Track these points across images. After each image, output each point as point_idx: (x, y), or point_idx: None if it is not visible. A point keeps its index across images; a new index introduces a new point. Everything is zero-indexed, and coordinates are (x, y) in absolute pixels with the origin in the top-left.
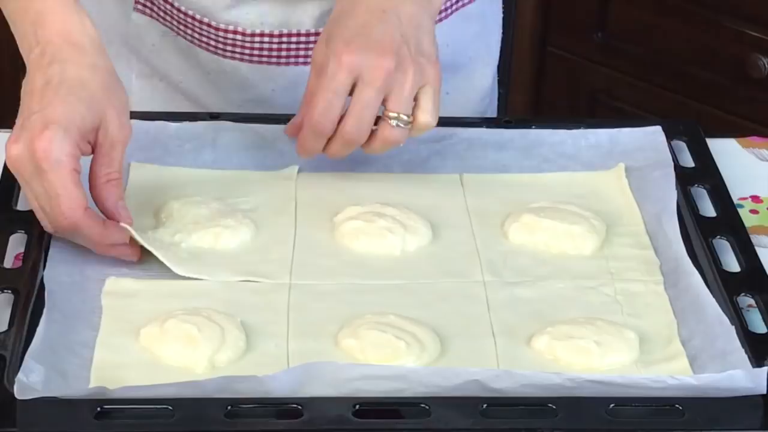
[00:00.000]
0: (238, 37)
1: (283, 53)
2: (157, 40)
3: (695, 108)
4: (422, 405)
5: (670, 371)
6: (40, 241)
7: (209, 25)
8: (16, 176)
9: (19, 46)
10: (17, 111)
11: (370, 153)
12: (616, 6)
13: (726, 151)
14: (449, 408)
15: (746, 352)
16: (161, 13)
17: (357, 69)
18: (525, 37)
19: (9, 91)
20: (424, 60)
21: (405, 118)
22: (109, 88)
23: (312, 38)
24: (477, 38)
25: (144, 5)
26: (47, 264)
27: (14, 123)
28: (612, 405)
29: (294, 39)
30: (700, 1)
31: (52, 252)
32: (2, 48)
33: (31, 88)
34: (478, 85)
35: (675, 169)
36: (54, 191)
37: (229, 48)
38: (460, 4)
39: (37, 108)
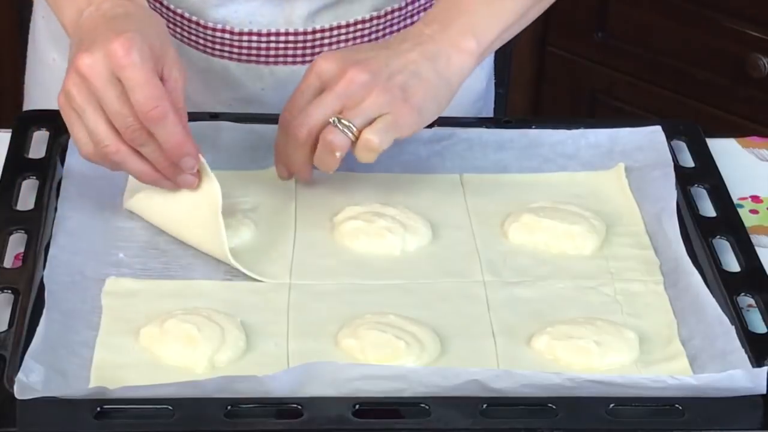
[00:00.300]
0: (227, 35)
1: (272, 52)
2: None
3: (695, 108)
4: (422, 405)
5: (670, 371)
6: (40, 241)
7: (198, 24)
8: (78, 95)
9: (59, 13)
10: (18, 111)
11: (318, 164)
12: (616, 6)
13: (726, 151)
14: (449, 408)
15: (746, 352)
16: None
17: (326, 74)
18: (525, 37)
19: (9, 91)
20: (399, 94)
21: (352, 127)
22: (167, 34)
23: (301, 38)
24: None
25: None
26: (47, 264)
27: (14, 123)
28: (612, 405)
29: (282, 38)
30: (700, 1)
31: (52, 252)
32: (2, 48)
33: (91, 27)
34: (471, 86)
35: (675, 169)
36: (137, 82)
37: (218, 47)
38: None
39: (105, 30)
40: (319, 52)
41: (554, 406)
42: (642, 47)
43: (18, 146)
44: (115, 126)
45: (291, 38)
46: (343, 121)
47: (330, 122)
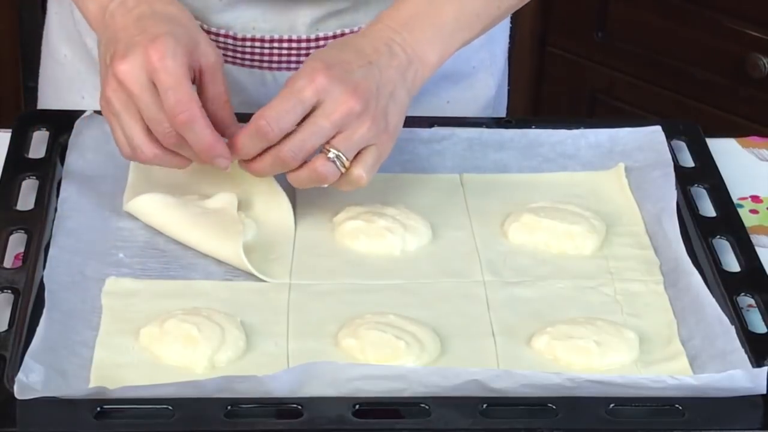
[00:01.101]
0: (230, 41)
1: (275, 58)
2: None
3: (695, 108)
4: (422, 405)
5: (670, 371)
6: (40, 241)
7: (201, 28)
8: (116, 101)
9: (86, 12)
10: (17, 111)
11: (294, 182)
12: (616, 6)
13: (726, 151)
14: (449, 408)
15: (746, 352)
16: None
17: (324, 94)
18: (525, 37)
19: (9, 91)
20: (384, 124)
21: (344, 159)
22: (193, 22)
23: (304, 44)
24: (481, 48)
25: None
26: (47, 264)
27: (14, 123)
28: (612, 405)
29: (286, 45)
30: (700, 1)
31: (52, 252)
32: (2, 48)
33: (120, 27)
34: (480, 94)
35: (675, 169)
36: (168, 86)
37: (221, 51)
38: None
39: (138, 33)
40: None
41: (554, 406)
42: (642, 47)
43: (18, 146)
44: (152, 131)
45: (294, 45)
46: (334, 152)
47: (325, 153)
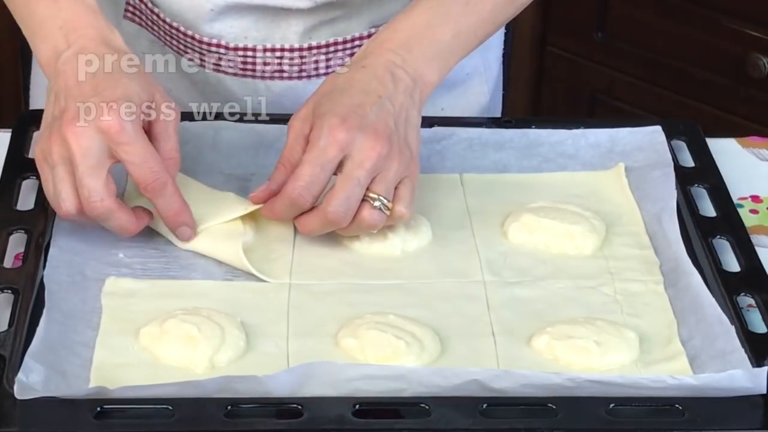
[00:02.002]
0: (222, 50)
1: (267, 68)
2: (147, 49)
3: (695, 108)
4: (422, 405)
5: (670, 371)
6: (40, 241)
7: (193, 38)
8: (57, 155)
9: (36, 51)
10: (17, 111)
11: (345, 234)
12: (616, 6)
13: (726, 151)
14: (449, 408)
15: (746, 352)
16: (149, 23)
17: (349, 147)
18: (525, 37)
19: (9, 91)
20: (408, 153)
21: (386, 202)
22: (150, 76)
23: (296, 53)
24: (475, 55)
25: (133, 13)
26: (47, 264)
27: (14, 123)
28: (612, 405)
29: (278, 54)
30: (700, 1)
31: (52, 252)
32: (2, 48)
33: (73, 82)
34: (474, 101)
35: (675, 169)
36: (137, 158)
37: (213, 61)
38: None
39: (92, 94)
40: (315, 68)
41: (554, 406)
42: (642, 47)
43: (18, 146)
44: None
45: (287, 54)
46: (376, 197)
47: (370, 203)
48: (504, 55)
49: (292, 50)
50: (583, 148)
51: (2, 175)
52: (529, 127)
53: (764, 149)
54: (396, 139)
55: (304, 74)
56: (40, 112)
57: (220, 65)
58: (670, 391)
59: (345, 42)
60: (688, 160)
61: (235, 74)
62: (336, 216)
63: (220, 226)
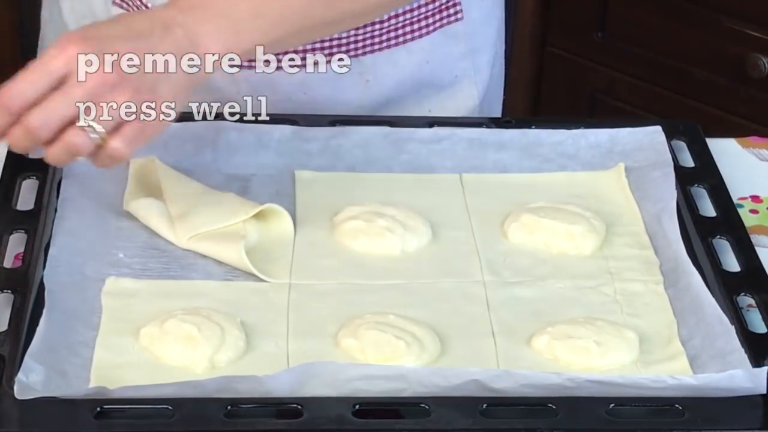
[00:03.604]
0: None
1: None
2: None
3: (695, 108)
4: (422, 405)
5: (670, 371)
6: (40, 241)
7: None
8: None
9: None
10: None
11: (50, 159)
12: (616, 6)
13: (726, 151)
14: (449, 408)
15: (746, 352)
16: (134, 9)
17: (74, 63)
18: (525, 37)
19: None
20: (150, 98)
21: (98, 128)
22: None
23: None
24: (463, 58)
25: (122, 0)
26: (47, 264)
27: None
28: (612, 405)
29: None
30: (700, 1)
31: (52, 252)
32: (2, 48)
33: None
34: (462, 104)
35: (675, 169)
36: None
37: None
38: (444, 21)
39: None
40: (291, 60)
41: (554, 406)
42: (642, 47)
43: None
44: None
45: None
46: (89, 122)
47: (76, 122)
48: (504, 55)
49: None
50: (583, 148)
51: (2, 175)
52: (529, 127)
53: (764, 149)
54: (135, 77)
55: (281, 66)
56: None
57: None
58: (670, 391)
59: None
60: (688, 160)
61: None
62: (34, 125)
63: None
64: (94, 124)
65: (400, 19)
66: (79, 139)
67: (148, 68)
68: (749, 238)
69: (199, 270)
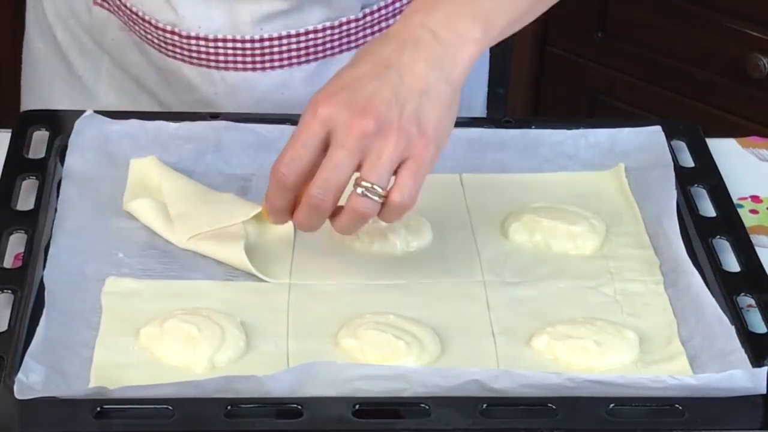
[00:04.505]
0: (176, 38)
1: (221, 58)
2: (116, 35)
3: (695, 108)
4: (422, 405)
5: (670, 371)
6: (40, 241)
7: (151, 24)
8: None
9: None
10: (17, 111)
11: (340, 230)
12: (616, 6)
13: (726, 151)
14: (449, 408)
15: (746, 352)
16: (115, 9)
17: (331, 123)
18: (525, 37)
19: (9, 91)
20: (414, 129)
21: (378, 189)
22: None
23: (248, 45)
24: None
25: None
26: (47, 264)
27: (14, 123)
28: (612, 405)
29: (230, 45)
30: (700, 1)
31: (52, 252)
32: (2, 48)
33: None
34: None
35: (675, 169)
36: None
37: (170, 48)
38: None
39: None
40: (269, 60)
41: (554, 406)
42: (642, 47)
43: (18, 146)
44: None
45: (239, 45)
46: (367, 185)
47: (355, 190)
48: (504, 55)
49: (244, 41)
50: (583, 148)
51: (2, 175)
52: (529, 127)
53: (764, 149)
54: (396, 114)
55: (258, 66)
56: (38, 112)
57: (177, 53)
58: (670, 391)
59: (298, 35)
60: (688, 160)
61: (191, 63)
62: (315, 199)
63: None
64: (372, 185)
65: (375, 16)
66: (363, 206)
67: (405, 98)
68: (749, 238)
69: (199, 270)
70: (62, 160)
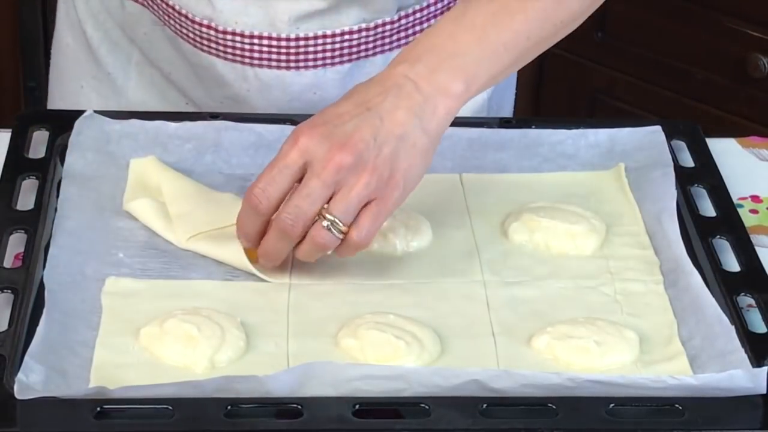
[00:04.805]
0: (212, 32)
1: (256, 55)
2: (149, 29)
3: (695, 108)
4: (422, 405)
5: (670, 371)
6: (40, 241)
7: (187, 18)
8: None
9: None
10: (17, 111)
11: (301, 257)
12: (616, 6)
13: (726, 151)
14: (449, 408)
15: (746, 352)
16: (149, 2)
17: (309, 154)
18: None
19: (9, 91)
20: (386, 173)
21: (340, 225)
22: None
23: (284, 43)
24: None
25: None
26: (47, 264)
27: (14, 123)
28: (612, 405)
29: (266, 42)
30: (700, 1)
31: (52, 252)
32: (2, 48)
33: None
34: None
35: (675, 169)
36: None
37: (205, 43)
38: None
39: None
40: (303, 59)
41: (554, 406)
42: (642, 47)
43: (18, 146)
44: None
45: (274, 42)
46: (332, 220)
47: (320, 222)
48: None
49: (280, 39)
50: (583, 148)
51: (2, 175)
52: (529, 127)
53: (764, 149)
54: (371, 155)
55: (292, 65)
56: (38, 112)
57: (211, 48)
58: (670, 391)
59: (334, 36)
60: (688, 160)
61: (225, 58)
62: (285, 225)
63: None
64: (336, 220)
65: (410, 19)
66: (325, 239)
67: (383, 140)
68: (749, 238)
69: (199, 270)
70: (62, 160)
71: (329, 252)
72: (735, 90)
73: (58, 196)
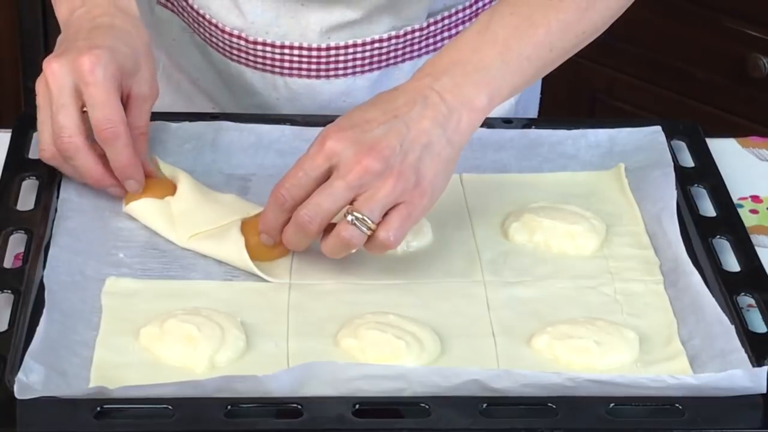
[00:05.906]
0: (243, 42)
1: (286, 64)
2: (178, 36)
3: (695, 108)
4: (422, 405)
5: (670, 371)
6: (40, 241)
7: (217, 27)
8: (39, 95)
9: (56, 9)
10: (17, 111)
11: (325, 252)
12: None
13: (726, 151)
14: (449, 408)
15: (746, 352)
16: (179, 9)
17: (336, 158)
18: None
19: (9, 91)
20: (413, 179)
21: (368, 221)
22: (148, 49)
23: (314, 53)
24: None
25: (166, 0)
26: (47, 264)
27: (14, 123)
28: (612, 405)
29: (296, 52)
30: (700, 1)
31: (52, 252)
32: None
33: (75, 29)
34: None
35: (675, 169)
36: (97, 101)
37: (235, 52)
38: None
39: (83, 39)
40: (334, 68)
41: (554, 406)
42: (642, 47)
43: (18, 146)
44: (53, 134)
45: (305, 52)
46: (358, 216)
47: (345, 218)
48: None
49: (311, 49)
50: (583, 148)
51: (2, 175)
52: (529, 127)
53: (764, 149)
54: (397, 161)
55: (322, 74)
56: None
57: (241, 57)
58: (670, 391)
59: (364, 44)
60: (688, 160)
61: (255, 68)
62: (303, 220)
63: (226, 228)
64: (363, 217)
65: (439, 25)
66: (349, 234)
67: (408, 147)
68: (749, 238)
69: (199, 270)
70: None
71: (354, 250)
72: (735, 90)
73: (58, 197)
